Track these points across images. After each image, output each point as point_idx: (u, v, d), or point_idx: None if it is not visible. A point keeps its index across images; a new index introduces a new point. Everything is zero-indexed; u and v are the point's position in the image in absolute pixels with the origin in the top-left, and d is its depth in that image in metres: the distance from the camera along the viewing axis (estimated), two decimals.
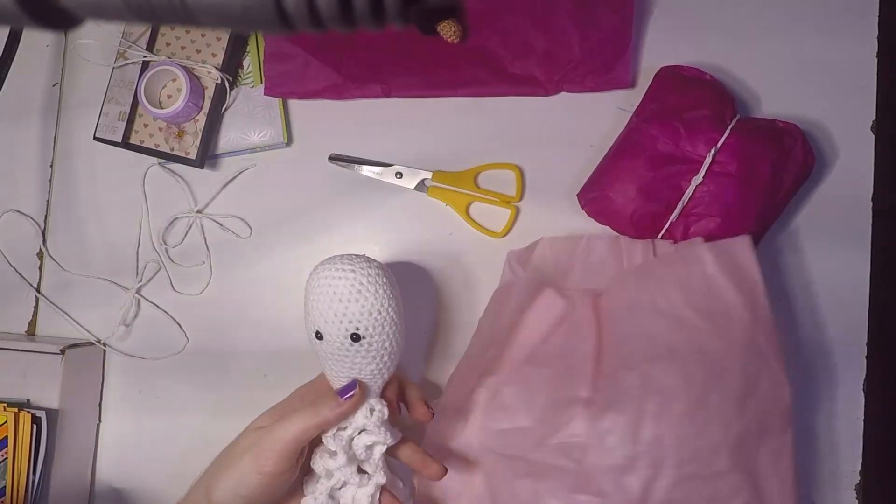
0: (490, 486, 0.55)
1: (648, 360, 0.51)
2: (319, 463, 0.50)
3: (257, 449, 0.47)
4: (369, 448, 0.50)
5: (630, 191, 0.57)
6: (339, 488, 0.50)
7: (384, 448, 0.50)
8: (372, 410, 0.50)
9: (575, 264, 0.60)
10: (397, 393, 0.53)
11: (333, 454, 0.49)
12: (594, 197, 0.59)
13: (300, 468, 0.49)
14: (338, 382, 0.50)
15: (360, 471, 0.50)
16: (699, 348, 0.50)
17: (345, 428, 0.50)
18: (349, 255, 0.50)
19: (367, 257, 0.50)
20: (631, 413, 0.49)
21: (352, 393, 0.48)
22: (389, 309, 0.49)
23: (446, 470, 0.51)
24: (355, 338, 0.48)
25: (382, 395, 0.51)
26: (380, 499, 0.50)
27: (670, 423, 0.48)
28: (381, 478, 0.49)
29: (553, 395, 0.53)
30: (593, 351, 0.54)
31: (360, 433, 0.50)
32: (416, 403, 0.53)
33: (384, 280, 0.49)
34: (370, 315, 0.48)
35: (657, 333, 0.52)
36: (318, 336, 0.49)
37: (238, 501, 0.47)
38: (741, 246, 0.54)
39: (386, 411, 0.50)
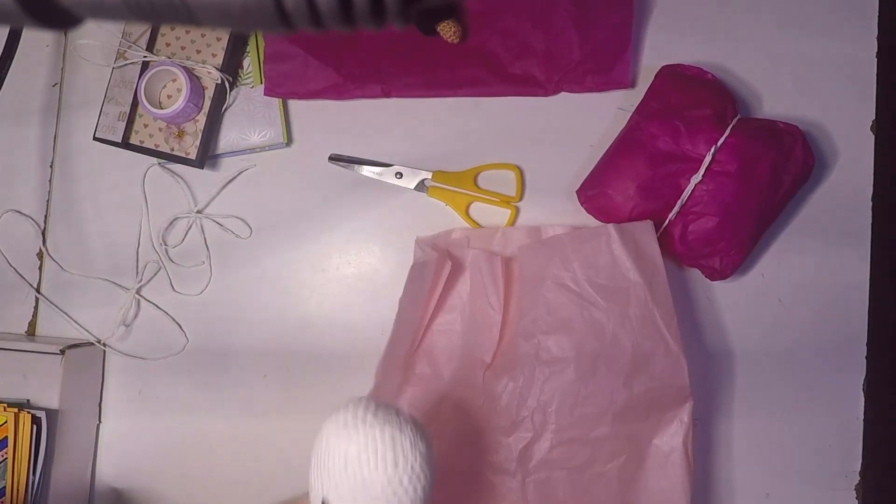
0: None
1: (545, 331, 0.54)
2: None
3: None
4: None
5: (629, 188, 0.57)
6: None
7: None
8: None
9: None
10: None
11: None
12: (593, 194, 0.59)
13: None
14: None
15: None
16: (594, 323, 0.54)
17: None
18: (390, 423, 0.40)
19: (413, 430, 0.40)
20: (521, 380, 0.54)
21: None
22: (420, 500, 0.41)
23: None
24: None
25: None
26: None
27: (556, 392, 0.53)
28: None
29: (461, 359, 0.57)
30: (499, 318, 0.57)
31: None
32: None
33: (427, 472, 0.41)
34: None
35: (557, 306, 0.54)
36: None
37: None
38: (645, 230, 0.56)
39: None
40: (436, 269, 0.58)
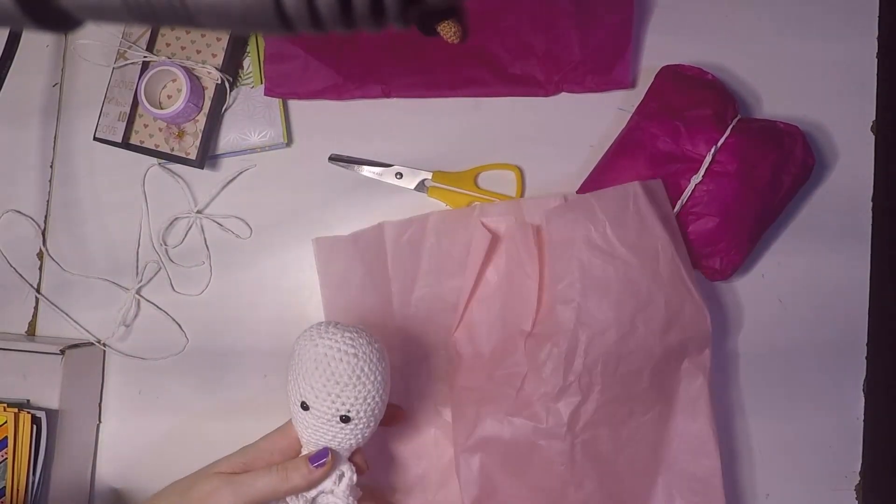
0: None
1: (583, 294, 0.55)
2: None
3: (217, 498, 0.47)
4: None
5: None
6: None
7: None
8: (341, 477, 0.51)
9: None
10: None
11: None
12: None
13: None
14: (310, 446, 0.50)
15: None
16: (629, 282, 0.54)
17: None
18: (350, 329, 0.49)
19: (369, 335, 0.49)
20: (565, 345, 0.54)
21: (323, 461, 0.49)
22: (384, 394, 0.49)
23: None
24: (345, 419, 0.48)
25: (350, 458, 0.52)
26: None
27: (600, 355, 0.54)
28: None
29: (502, 330, 0.59)
30: (536, 286, 0.58)
31: (324, 494, 0.50)
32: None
33: (384, 365, 0.49)
34: (365, 401, 0.47)
35: (592, 267, 0.55)
36: (304, 407, 0.48)
37: None
38: (658, 188, 0.57)
39: (355, 477, 0.51)
40: (477, 242, 0.59)
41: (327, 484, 0.50)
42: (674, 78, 0.59)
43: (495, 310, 0.60)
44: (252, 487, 0.47)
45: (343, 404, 0.47)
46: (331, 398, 0.47)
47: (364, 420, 0.48)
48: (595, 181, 0.60)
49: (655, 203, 0.56)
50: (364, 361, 0.47)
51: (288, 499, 0.49)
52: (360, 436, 0.49)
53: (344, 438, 0.49)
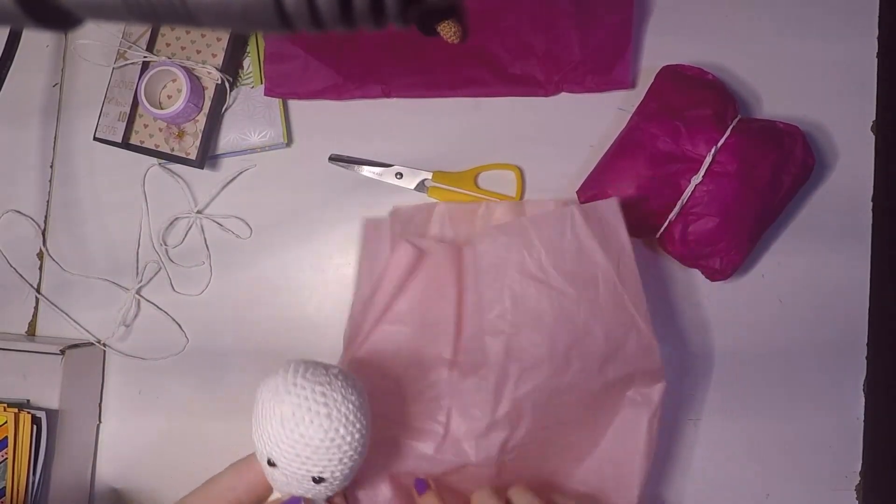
0: None
1: (514, 325, 0.52)
2: None
3: None
4: None
5: (629, 188, 0.57)
6: None
7: None
8: None
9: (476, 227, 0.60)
10: None
11: None
12: (594, 194, 0.59)
13: None
14: (281, 490, 0.46)
15: None
16: (565, 314, 0.51)
17: None
18: (320, 380, 0.43)
19: (344, 383, 0.43)
20: (493, 379, 0.51)
21: None
22: (362, 449, 0.44)
23: None
24: (318, 480, 0.43)
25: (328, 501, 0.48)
26: None
27: (531, 390, 0.51)
28: None
29: (415, 354, 0.55)
30: (455, 310, 0.55)
31: None
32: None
33: (362, 418, 0.43)
34: (340, 462, 0.43)
35: (525, 297, 0.52)
36: (271, 464, 0.43)
37: None
38: (610, 208, 0.54)
39: None
40: (397, 259, 0.56)
41: None
42: (674, 78, 0.59)
43: (407, 332, 0.56)
44: None
45: (315, 466, 0.42)
46: (299, 460, 0.42)
47: (339, 479, 0.44)
48: (594, 181, 0.60)
49: (601, 225, 0.53)
50: (338, 422, 0.42)
51: None
52: (335, 489, 0.45)
53: (318, 493, 0.45)
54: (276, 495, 0.47)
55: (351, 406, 0.42)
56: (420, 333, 0.55)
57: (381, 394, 0.54)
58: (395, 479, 0.54)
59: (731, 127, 0.56)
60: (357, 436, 0.42)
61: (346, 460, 0.43)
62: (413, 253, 0.56)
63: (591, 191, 0.60)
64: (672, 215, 0.57)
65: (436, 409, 0.54)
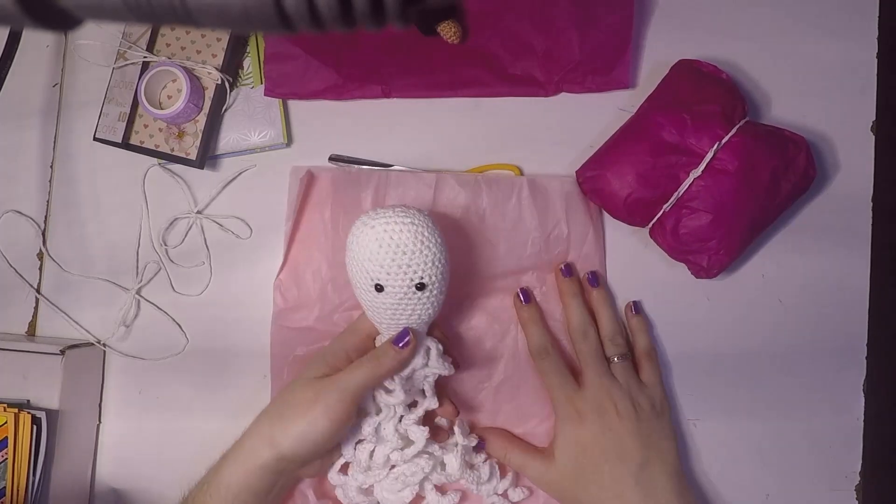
0: (278, 352, 0.63)
1: (442, 263, 0.58)
2: (376, 399, 0.54)
3: (325, 398, 0.50)
4: (426, 380, 0.54)
5: (628, 174, 0.57)
6: (387, 421, 0.54)
7: (436, 376, 0.54)
8: (428, 351, 0.54)
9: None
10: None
11: (390, 391, 0.53)
12: (592, 175, 0.59)
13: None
14: (390, 330, 0.53)
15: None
16: (490, 264, 0.61)
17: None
18: (396, 207, 0.50)
19: (415, 208, 0.51)
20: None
21: (407, 339, 0.52)
22: (447, 257, 0.51)
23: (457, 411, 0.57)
24: (420, 287, 0.50)
25: (429, 332, 0.55)
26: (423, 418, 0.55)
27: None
28: (433, 402, 0.55)
29: (332, 272, 0.62)
30: None
31: (419, 371, 0.54)
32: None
33: (439, 230, 0.51)
34: (434, 264, 0.50)
35: (459, 243, 0.61)
36: (379, 289, 0.50)
37: (307, 447, 0.50)
38: (556, 189, 0.61)
39: (440, 346, 0.54)
40: (301, 185, 0.62)
41: (418, 361, 0.53)
42: (689, 72, 0.59)
43: (322, 254, 0.62)
44: (351, 383, 0.50)
45: (416, 272, 0.49)
46: (402, 269, 0.49)
47: (437, 285, 0.51)
48: (595, 162, 0.60)
49: (546, 201, 0.61)
50: (423, 227, 0.49)
51: (386, 383, 0.52)
52: (435, 303, 0.52)
53: (422, 310, 0.51)
54: (384, 338, 0.53)
55: (426, 218, 0.50)
56: (333, 254, 0.62)
57: (295, 310, 0.62)
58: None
59: (737, 126, 0.56)
60: (439, 240, 0.50)
61: (437, 263, 0.50)
62: (308, 176, 0.62)
63: (590, 171, 0.60)
64: (667, 206, 0.57)
65: (352, 316, 0.61)
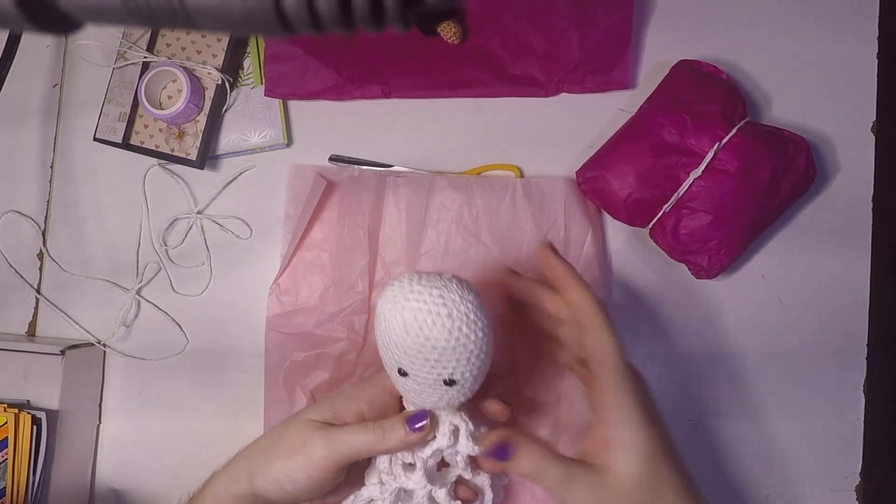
0: (273, 358, 0.62)
1: (442, 263, 0.61)
2: (392, 470, 0.49)
3: (310, 451, 0.45)
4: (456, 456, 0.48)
5: (629, 174, 0.57)
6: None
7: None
8: (456, 431, 0.47)
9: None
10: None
11: (410, 467, 0.48)
12: (593, 176, 0.59)
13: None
14: (413, 404, 0.48)
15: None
16: (486, 266, 0.60)
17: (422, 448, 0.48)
18: (436, 283, 0.42)
19: (460, 286, 0.43)
20: None
21: (422, 424, 0.46)
22: (488, 349, 0.44)
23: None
24: (449, 383, 0.43)
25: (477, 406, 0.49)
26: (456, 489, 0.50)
27: None
28: (466, 473, 0.49)
29: (333, 276, 0.61)
30: (367, 237, 0.61)
31: (444, 450, 0.48)
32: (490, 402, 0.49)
33: (483, 318, 0.43)
34: (468, 362, 0.43)
35: (454, 244, 0.60)
36: (402, 373, 0.44)
37: (281, 493, 0.46)
38: (554, 189, 0.61)
39: (470, 425, 0.47)
40: (311, 189, 0.61)
41: (441, 441, 0.47)
42: (689, 72, 0.59)
43: (325, 257, 0.62)
44: (346, 443, 0.45)
45: (444, 369, 0.43)
46: (429, 364, 0.42)
47: (470, 380, 0.44)
48: (595, 163, 0.60)
49: (543, 201, 0.60)
50: (460, 321, 0.41)
51: (404, 456, 0.48)
52: (468, 393, 0.45)
53: (451, 398, 0.45)
54: (409, 407, 0.48)
55: (470, 305, 0.42)
56: (337, 258, 0.61)
57: (293, 315, 0.62)
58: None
59: (737, 127, 0.56)
60: (480, 334, 0.42)
61: (472, 360, 0.43)
62: (323, 183, 0.61)
63: (590, 172, 0.60)
64: (667, 206, 0.57)
65: (353, 322, 0.61)
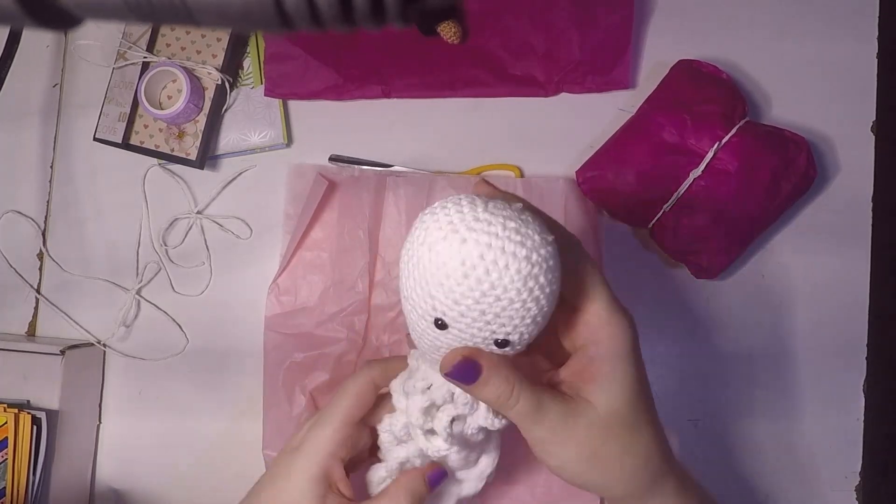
0: (272, 358, 0.61)
1: None
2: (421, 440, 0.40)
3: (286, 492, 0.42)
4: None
5: (629, 174, 0.57)
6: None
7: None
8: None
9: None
10: None
11: (429, 433, 0.40)
12: (593, 175, 0.59)
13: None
14: (429, 366, 0.39)
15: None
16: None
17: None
18: (513, 216, 0.32)
19: (535, 219, 0.32)
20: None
21: (438, 482, 0.41)
22: (553, 306, 0.34)
23: None
24: (502, 344, 0.34)
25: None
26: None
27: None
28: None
29: (333, 276, 0.61)
30: (368, 237, 0.61)
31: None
32: None
33: (559, 267, 0.33)
34: (534, 321, 0.33)
35: None
36: (440, 325, 0.34)
37: None
38: (553, 187, 0.61)
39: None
40: (311, 189, 0.61)
41: (463, 409, 0.39)
42: (689, 72, 0.59)
43: (325, 257, 0.62)
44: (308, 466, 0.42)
45: (502, 327, 0.33)
46: (484, 319, 0.32)
47: (523, 344, 0.35)
48: (596, 163, 0.60)
49: (543, 201, 0.59)
50: (538, 268, 0.31)
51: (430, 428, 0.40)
52: (515, 353, 0.36)
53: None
54: (413, 358, 0.41)
55: (550, 249, 0.32)
56: (337, 258, 0.61)
57: (304, 312, 0.62)
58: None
59: (737, 126, 0.56)
60: (555, 286, 0.33)
61: (539, 319, 0.33)
62: (324, 184, 0.61)
63: (590, 172, 0.60)
64: (667, 206, 0.57)
65: (353, 321, 0.61)
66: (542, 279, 0.31)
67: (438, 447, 0.39)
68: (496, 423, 0.39)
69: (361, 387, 0.44)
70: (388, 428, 0.43)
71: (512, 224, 0.31)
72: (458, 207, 0.32)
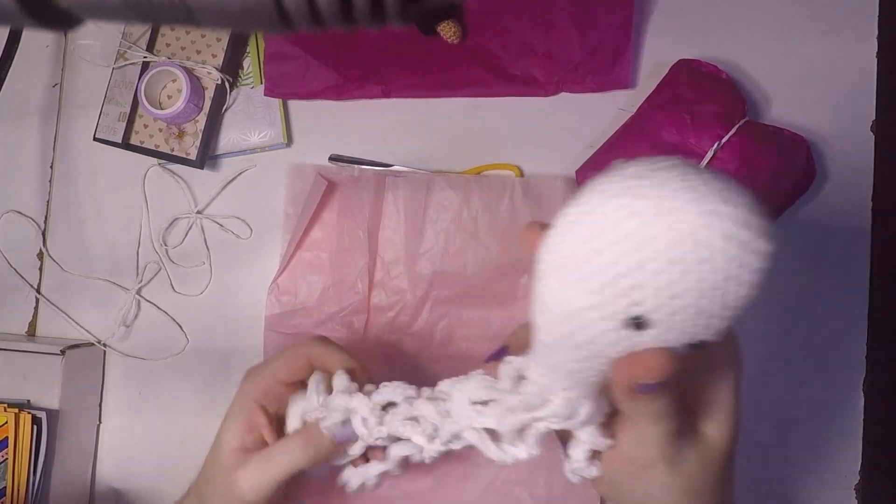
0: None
1: (442, 262, 0.60)
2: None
3: (243, 490, 0.44)
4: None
5: None
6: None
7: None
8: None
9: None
10: None
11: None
12: (593, 175, 0.59)
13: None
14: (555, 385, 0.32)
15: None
16: (486, 266, 0.60)
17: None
18: (741, 201, 0.26)
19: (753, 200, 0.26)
20: (412, 300, 0.60)
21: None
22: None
23: None
24: (697, 347, 0.28)
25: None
26: None
27: (444, 313, 0.60)
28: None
29: (333, 276, 0.61)
30: (367, 237, 0.61)
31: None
32: None
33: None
34: (734, 313, 0.28)
35: (454, 244, 0.60)
36: (639, 325, 0.27)
37: None
38: (551, 186, 0.61)
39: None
40: (311, 189, 0.62)
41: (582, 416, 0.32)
42: (688, 71, 0.59)
43: (324, 257, 0.62)
44: (277, 469, 0.44)
45: (709, 328, 0.28)
46: (703, 317, 0.27)
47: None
48: (596, 162, 0.60)
49: (542, 200, 0.60)
50: (767, 259, 0.26)
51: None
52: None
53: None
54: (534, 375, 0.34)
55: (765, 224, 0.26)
56: (336, 258, 0.61)
57: (301, 315, 0.62)
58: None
59: (737, 126, 0.56)
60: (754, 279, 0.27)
61: (733, 319, 0.28)
62: (324, 184, 0.61)
63: (590, 171, 0.60)
64: None
65: (352, 320, 0.61)
66: (742, 274, 0.27)
67: (517, 456, 0.35)
68: (601, 445, 0.33)
69: (296, 361, 0.48)
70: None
71: (744, 202, 0.27)
72: (683, 172, 0.26)
